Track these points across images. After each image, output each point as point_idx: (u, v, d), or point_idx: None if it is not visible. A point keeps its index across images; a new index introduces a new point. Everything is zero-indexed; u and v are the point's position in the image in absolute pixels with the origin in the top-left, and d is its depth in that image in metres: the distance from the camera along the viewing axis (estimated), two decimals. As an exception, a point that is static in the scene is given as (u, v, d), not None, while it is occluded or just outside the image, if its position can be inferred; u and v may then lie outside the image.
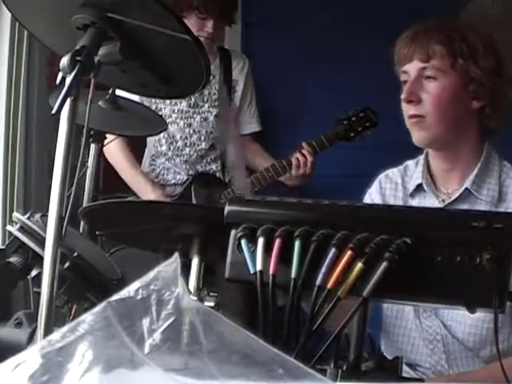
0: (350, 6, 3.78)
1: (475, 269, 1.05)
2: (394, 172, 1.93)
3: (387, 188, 1.91)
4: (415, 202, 1.84)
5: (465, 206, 1.76)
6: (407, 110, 1.78)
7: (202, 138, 3.29)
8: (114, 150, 3.15)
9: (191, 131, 3.28)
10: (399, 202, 1.87)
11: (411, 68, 1.78)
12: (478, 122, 1.79)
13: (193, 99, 3.23)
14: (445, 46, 1.74)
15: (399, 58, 1.81)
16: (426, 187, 1.82)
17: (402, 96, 1.78)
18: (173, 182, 3.28)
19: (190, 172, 3.28)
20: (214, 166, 3.31)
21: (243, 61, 3.43)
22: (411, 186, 1.85)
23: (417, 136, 1.78)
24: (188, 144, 3.28)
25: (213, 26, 3.12)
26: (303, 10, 3.76)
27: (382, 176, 1.94)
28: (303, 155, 3.16)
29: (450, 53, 1.74)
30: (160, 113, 3.21)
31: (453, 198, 1.78)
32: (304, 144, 3.19)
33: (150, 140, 3.32)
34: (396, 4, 3.63)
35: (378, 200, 1.90)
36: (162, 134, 3.18)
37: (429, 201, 1.82)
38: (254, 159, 3.39)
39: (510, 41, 3.64)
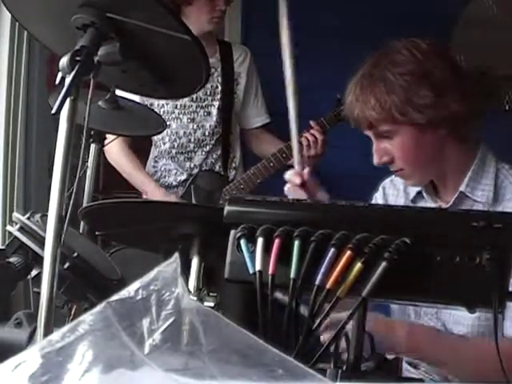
0: (349, 5, 3.79)
1: (475, 269, 1.05)
2: (398, 178, 1.92)
3: (390, 194, 1.93)
4: None
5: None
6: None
7: (206, 132, 3.25)
8: (114, 150, 3.15)
9: (195, 126, 3.24)
10: None
11: (366, 132, 1.76)
12: (455, 140, 1.74)
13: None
14: (377, 110, 1.68)
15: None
16: (425, 195, 1.85)
17: (375, 161, 1.77)
18: (174, 184, 3.26)
19: (194, 171, 3.26)
20: (217, 165, 3.29)
21: (245, 53, 3.37)
22: (412, 193, 1.87)
23: (407, 183, 1.85)
24: (192, 140, 3.24)
25: (224, 1, 3.15)
26: (302, 8, 3.76)
27: (387, 181, 1.96)
28: (312, 134, 3.07)
29: (385, 114, 1.68)
30: (162, 110, 3.20)
31: (450, 202, 1.78)
32: (312, 123, 3.09)
33: (154, 140, 3.31)
34: (397, 5, 3.64)
35: None
36: (165, 132, 3.14)
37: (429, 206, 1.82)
38: (267, 149, 3.30)
39: (510, 41, 3.66)
